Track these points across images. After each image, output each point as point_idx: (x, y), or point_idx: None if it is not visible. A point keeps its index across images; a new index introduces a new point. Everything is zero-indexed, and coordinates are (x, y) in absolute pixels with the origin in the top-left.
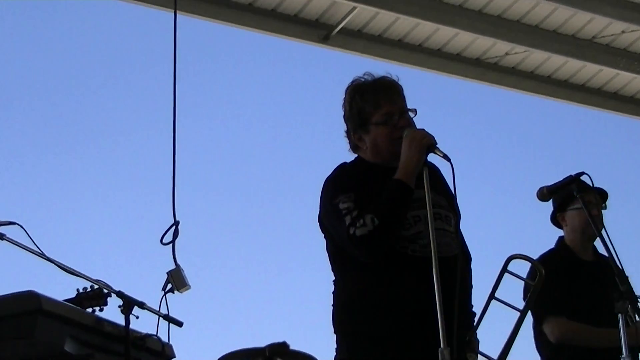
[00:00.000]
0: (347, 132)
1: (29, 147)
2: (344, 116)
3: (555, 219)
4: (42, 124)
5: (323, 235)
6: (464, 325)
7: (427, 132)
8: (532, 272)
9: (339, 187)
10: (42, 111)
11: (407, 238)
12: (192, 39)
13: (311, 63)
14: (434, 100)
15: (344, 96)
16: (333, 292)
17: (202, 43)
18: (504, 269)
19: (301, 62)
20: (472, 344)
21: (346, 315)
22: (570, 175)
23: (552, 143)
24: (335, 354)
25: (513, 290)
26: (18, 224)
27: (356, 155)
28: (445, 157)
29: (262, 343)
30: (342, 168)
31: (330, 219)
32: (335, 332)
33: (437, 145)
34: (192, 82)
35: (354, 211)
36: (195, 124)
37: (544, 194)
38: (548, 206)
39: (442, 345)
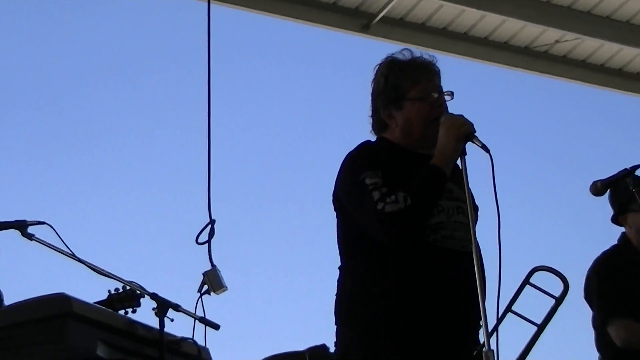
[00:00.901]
0: (375, 109)
1: (62, 145)
2: (374, 92)
3: (617, 221)
4: (75, 122)
5: (336, 214)
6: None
7: (467, 120)
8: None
9: (366, 163)
10: (74, 108)
11: (429, 226)
12: (226, 30)
13: (351, 53)
14: (479, 91)
15: (375, 71)
16: (339, 280)
17: (236, 34)
18: (526, 281)
19: (341, 53)
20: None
21: (356, 305)
22: (625, 169)
23: (606, 135)
24: (336, 347)
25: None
26: (47, 224)
27: (378, 137)
28: (484, 147)
29: (302, 346)
30: (367, 145)
31: (352, 196)
32: (338, 323)
33: (476, 135)
34: (226, 75)
35: (383, 187)
36: (230, 119)
37: (597, 189)
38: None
39: (485, 347)
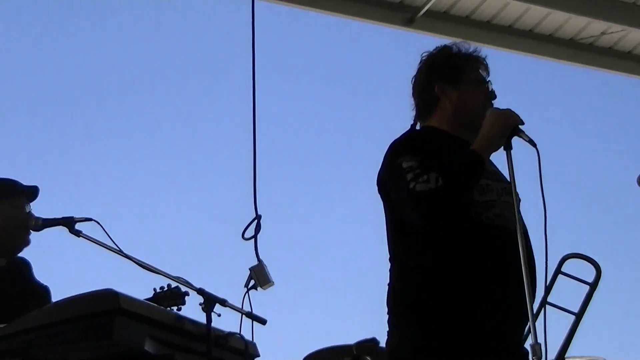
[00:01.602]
0: (426, 86)
1: (110, 144)
2: (429, 66)
3: None
4: (123, 121)
5: (383, 203)
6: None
7: (514, 113)
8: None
9: (406, 148)
10: (122, 107)
11: (482, 204)
12: (270, 26)
13: (395, 48)
14: (524, 84)
15: (431, 51)
16: (390, 270)
17: (280, 29)
18: (558, 270)
19: (385, 47)
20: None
21: (408, 293)
22: None
23: None
24: (389, 337)
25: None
26: (95, 220)
27: (423, 126)
28: (531, 142)
29: (350, 340)
30: (411, 132)
31: (391, 179)
32: (390, 314)
33: (523, 129)
34: (271, 72)
35: (418, 169)
36: (275, 114)
37: None
38: None
39: (532, 340)
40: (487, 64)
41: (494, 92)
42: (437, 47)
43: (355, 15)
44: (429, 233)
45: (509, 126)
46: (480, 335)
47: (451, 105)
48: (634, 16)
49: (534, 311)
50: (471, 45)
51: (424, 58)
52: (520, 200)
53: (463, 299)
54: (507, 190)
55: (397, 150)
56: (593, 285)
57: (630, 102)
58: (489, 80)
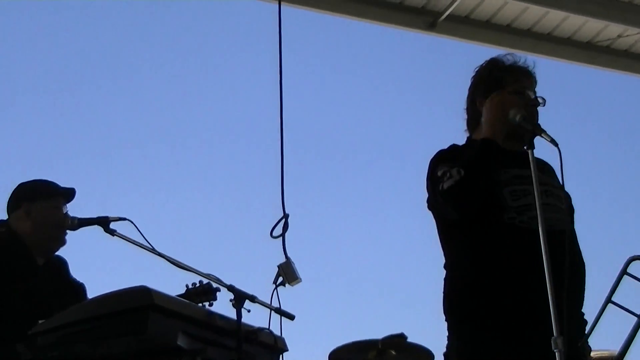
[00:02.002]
0: (472, 101)
1: (144, 145)
2: (475, 82)
3: None
4: (157, 122)
5: (432, 216)
6: (576, 308)
7: (513, 99)
8: None
9: (442, 159)
10: (151, 108)
11: (515, 209)
12: (296, 30)
13: (418, 51)
14: (543, 86)
15: (477, 68)
16: (445, 278)
17: (306, 33)
18: (624, 271)
19: (407, 51)
20: (584, 352)
21: (459, 294)
22: None
23: None
24: (447, 341)
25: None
26: (128, 220)
27: (468, 138)
28: (553, 141)
29: (377, 335)
30: (451, 146)
31: (430, 190)
32: (448, 319)
33: (545, 129)
34: (297, 74)
35: (447, 171)
36: (302, 116)
37: None
38: None
39: (554, 333)
40: (530, 74)
41: (536, 99)
42: (484, 62)
43: (378, 20)
44: (468, 242)
45: (505, 109)
46: (515, 337)
47: (488, 117)
48: None
49: (598, 313)
50: (515, 56)
51: (472, 73)
52: (571, 198)
53: (499, 304)
54: (547, 192)
55: (434, 163)
56: None
57: None
58: (533, 89)
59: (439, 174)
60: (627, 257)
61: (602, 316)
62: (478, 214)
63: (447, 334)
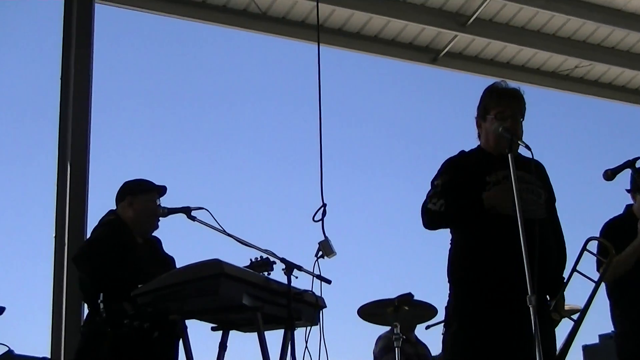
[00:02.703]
0: (476, 119)
1: (216, 148)
2: (478, 106)
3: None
4: (223, 126)
5: None
6: (545, 278)
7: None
8: (601, 248)
9: (443, 169)
10: (223, 115)
11: None
12: (333, 64)
13: (423, 80)
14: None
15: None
16: (449, 249)
17: (342, 68)
18: (584, 248)
19: (415, 80)
20: (558, 306)
21: (456, 266)
22: (628, 160)
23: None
24: (448, 298)
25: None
26: (205, 209)
27: (478, 144)
28: (527, 146)
29: (392, 295)
30: (460, 153)
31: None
32: (449, 282)
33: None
34: (334, 100)
35: (438, 190)
36: (339, 128)
37: (608, 175)
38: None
39: (529, 292)
40: (514, 95)
41: (515, 122)
42: (485, 88)
43: (393, 56)
44: (462, 225)
45: (488, 133)
46: (495, 298)
47: (483, 134)
48: (598, 54)
49: (566, 279)
50: (502, 83)
51: None
52: (555, 199)
53: (484, 272)
54: (530, 189)
55: (439, 170)
56: (608, 262)
57: (597, 120)
58: (513, 109)
59: (435, 183)
60: (586, 238)
61: (570, 281)
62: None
63: (448, 292)
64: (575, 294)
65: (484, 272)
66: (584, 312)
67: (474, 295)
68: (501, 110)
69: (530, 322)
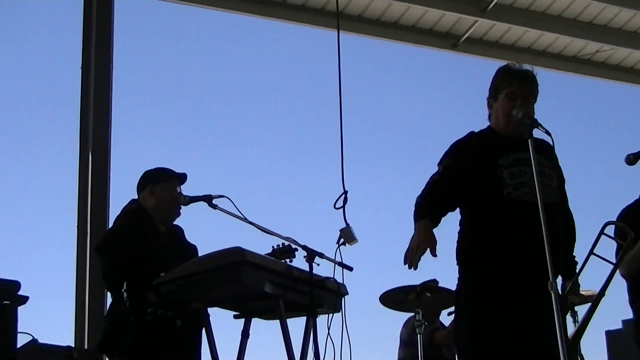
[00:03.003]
0: (487, 101)
1: (233, 142)
2: (489, 87)
3: None
4: (242, 116)
5: None
6: (558, 262)
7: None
8: (618, 231)
9: (450, 152)
10: (237, 108)
11: (512, 186)
12: (352, 51)
13: (442, 66)
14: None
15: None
16: (458, 232)
17: (362, 54)
18: (601, 232)
19: (434, 65)
20: (574, 288)
21: (466, 248)
22: None
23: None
24: (457, 282)
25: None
26: (227, 197)
27: (488, 125)
28: (547, 132)
29: (414, 281)
30: (469, 135)
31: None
32: (458, 266)
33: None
34: (355, 87)
35: (437, 176)
36: (360, 117)
37: (630, 160)
38: None
39: (550, 278)
40: (525, 76)
41: (527, 103)
42: (498, 69)
43: (415, 42)
44: (477, 209)
45: (500, 114)
46: (507, 280)
47: (494, 114)
48: (620, 38)
49: (583, 261)
50: (514, 65)
51: None
52: (564, 180)
53: (495, 257)
54: (542, 172)
55: (446, 151)
56: (627, 245)
57: (619, 104)
58: (524, 90)
59: (438, 167)
60: (604, 222)
61: (586, 264)
62: (482, 191)
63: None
64: (592, 278)
65: (497, 257)
66: (600, 293)
67: (486, 280)
68: (513, 90)
69: (544, 307)
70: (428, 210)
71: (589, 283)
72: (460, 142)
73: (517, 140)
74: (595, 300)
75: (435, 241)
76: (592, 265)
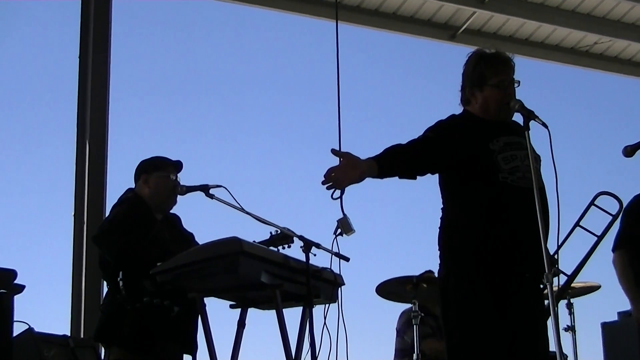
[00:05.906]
0: (463, 87)
1: (235, 134)
2: (464, 74)
3: None
4: (239, 106)
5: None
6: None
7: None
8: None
9: (435, 128)
10: (238, 101)
11: (507, 171)
12: (351, 41)
13: (441, 57)
14: (537, 83)
15: (467, 57)
16: (441, 217)
17: (360, 45)
18: (592, 202)
19: (433, 57)
20: (553, 261)
21: (458, 233)
22: None
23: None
24: (439, 268)
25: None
26: (224, 187)
27: (464, 109)
28: (544, 124)
29: (410, 272)
30: (451, 117)
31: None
32: (441, 250)
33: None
34: (352, 77)
35: (417, 140)
36: (357, 107)
37: (628, 151)
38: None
39: (546, 270)
40: (509, 63)
41: (512, 88)
42: (469, 55)
43: (413, 33)
44: (469, 195)
45: (489, 104)
46: (492, 265)
47: (477, 104)
48: (619, 30)
49: (567, 233)
50: (497, 53)
51: (464, 61)
52: (540, 159)
53: (485, 243)
54: (527, 155)
55: (430, 127)
56: (615, 216)
57: (617, 96)
58: (511, 77)
59: (425, 134)
60: (596, 192)
61: (571, 234)
62: (476, 174)
63: (441, 261)
64: (590, 273)
65: (493, 243)
66: (579, 267)
67: (480, 267)
68: (502, 78)
69: (529, 292)
70: (387, 156)
71: (585, 275)
72: (445, 121)
73: (502, 124)
74: (576, 267)
75: (347, 183)
76: (592, 262)
